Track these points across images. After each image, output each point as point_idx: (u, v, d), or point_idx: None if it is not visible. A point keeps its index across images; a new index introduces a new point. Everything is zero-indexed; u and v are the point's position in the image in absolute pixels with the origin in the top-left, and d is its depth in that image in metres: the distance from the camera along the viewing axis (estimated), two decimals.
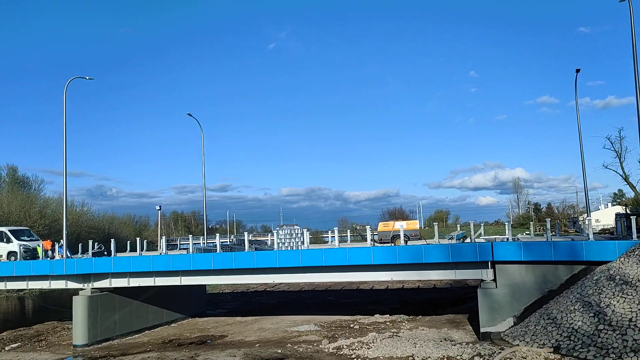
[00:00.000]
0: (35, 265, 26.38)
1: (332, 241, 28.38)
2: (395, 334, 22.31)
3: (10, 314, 49.23)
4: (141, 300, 28.90)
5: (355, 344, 20.97)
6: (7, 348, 26.54)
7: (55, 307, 45.21)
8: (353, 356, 19.32)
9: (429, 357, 17.63)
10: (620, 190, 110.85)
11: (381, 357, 18.67)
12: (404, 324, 26.54)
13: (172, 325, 31.23)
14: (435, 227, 22.61)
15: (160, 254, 28.42)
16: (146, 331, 29.21)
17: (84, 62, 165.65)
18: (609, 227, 69.56)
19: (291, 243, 25.43)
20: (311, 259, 22.25)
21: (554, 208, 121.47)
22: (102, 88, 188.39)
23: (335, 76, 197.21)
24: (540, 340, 16.75)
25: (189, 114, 37.38)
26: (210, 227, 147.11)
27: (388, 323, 27.33)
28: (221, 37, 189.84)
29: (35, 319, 40.94)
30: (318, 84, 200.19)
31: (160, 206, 47.82)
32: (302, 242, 26.02)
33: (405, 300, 36.96)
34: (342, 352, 20.13)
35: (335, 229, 27.40)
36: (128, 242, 38.93)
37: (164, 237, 33.66)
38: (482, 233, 29.15)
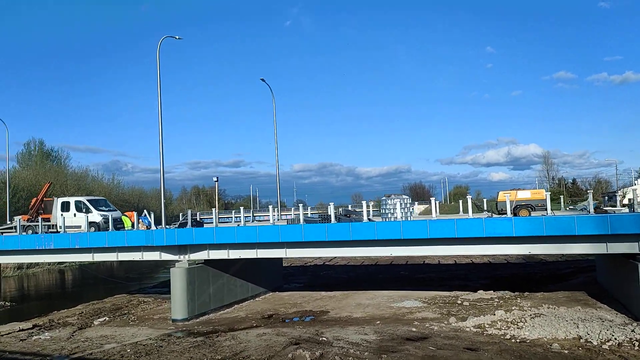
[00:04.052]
0: (130, 236, 24.75)
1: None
2: (537, 313, 20.44)
3: (59, 286, 48.34)
4: (230, 273, 27.42)
5: (499, 324, 19.23)
6: (95, 322, 25.10)
7: (115, 279, 44.15)
8: (507, 336, 17.57)
9: (609, 340, 15.84)
10: None
11: (545, 339, 16.89)
12: (517, 300, 24.74)
13: (256, 299, 29.75)
14: (590, 197, 20.72)
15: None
16: (235, 305, 27.75)
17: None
18: None
19: (401, 214, 23.56)
20: (441, 230, 20.42)
21: (585, 183, 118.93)
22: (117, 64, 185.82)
23: (348, 53, 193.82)
24: None
25: (262, 79, 35.37)
26: (226, 202, 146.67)
27: (497, 300, 25.56)
28: (234, 14, 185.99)
29: (94, 291, 39.89)
30: (330, 61, 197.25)
31: (217, 177, 46.11)
32: (412, 213, 24.22)
33: (490, 276, 35.20)
34: (489, 332, 18.37)
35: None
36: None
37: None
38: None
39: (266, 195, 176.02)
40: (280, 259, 33.98)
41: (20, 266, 53.46)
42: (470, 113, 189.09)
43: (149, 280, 47.01)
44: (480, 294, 27.02)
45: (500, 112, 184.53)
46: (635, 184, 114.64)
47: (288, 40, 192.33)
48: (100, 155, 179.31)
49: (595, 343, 15.87)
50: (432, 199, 23.10)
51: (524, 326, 18.37)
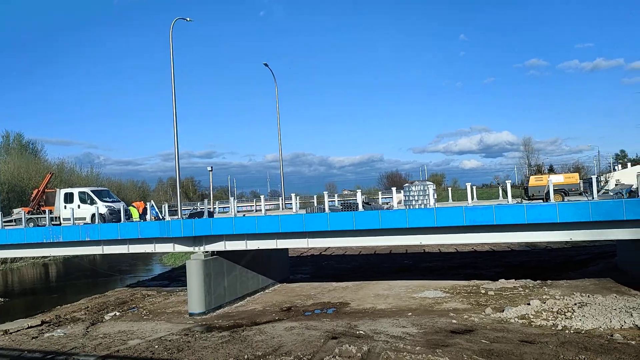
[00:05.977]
0: (143, 227, 23.28)
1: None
2: (581, 302, 19.65)
3: (44, 280, 46.64)
4: (242, 265, 26.23)
5: (544, 314, 18.46)
6: (106, 317, 23.72)
7: (111, 272, 42.56)
8: (559, 327, 16.80)
9: None
10: (622, 151, 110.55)
11: (601, 329, 16.18)
12: (543, 289, 24.00)
13: (267, 291, 28.60)
14: (638, 179, 20.01)
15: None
16: (247, 297, 26.61)
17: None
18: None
19: (424, 201, 22.60)
20: (479, 217, 19.51)
21: (564, 169, 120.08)
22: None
23: (321, 41, 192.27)
24: None
25: (265, 64, 33.95)
26: (201, 192, 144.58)
27: (521, 289, 24.75)
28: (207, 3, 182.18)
29: (82, 285, 38.56)
30: (303, 49, 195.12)
31: (211, 167, 44.67)
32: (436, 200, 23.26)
33: (502, 264, 34.60)
34: (537, 324, 17.57)
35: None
36: None
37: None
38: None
39: (239, 186, 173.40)
40: (286, 250, 32.85)
41: (4, 261, 51.28)
42: (443, 101, 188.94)
43: (140, 272, 45.52)
44: (502, 282, 26.27)
45: (472, 100, 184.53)
46: (616, 169, 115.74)
47: (260, 28, 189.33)
48: (72, 147, 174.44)
49: None
50: (468, 185, 22.10)
51: (572, 316, 17.63)
